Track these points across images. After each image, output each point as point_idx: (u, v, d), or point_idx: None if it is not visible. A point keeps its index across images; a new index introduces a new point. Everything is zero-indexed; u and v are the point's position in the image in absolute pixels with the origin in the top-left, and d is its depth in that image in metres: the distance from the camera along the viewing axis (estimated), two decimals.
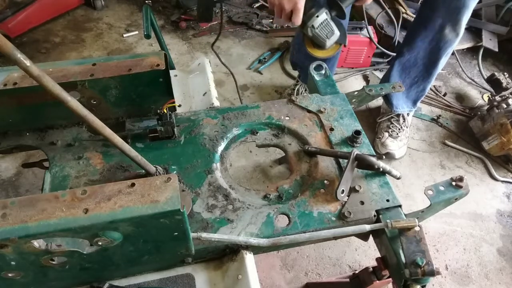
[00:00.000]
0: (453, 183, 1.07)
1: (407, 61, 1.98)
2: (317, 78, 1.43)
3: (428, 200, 1.05)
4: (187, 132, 1.24)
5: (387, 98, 2.13)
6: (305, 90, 2.25)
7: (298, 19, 1.33)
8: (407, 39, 2.01)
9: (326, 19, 1.35)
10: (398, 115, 2.10)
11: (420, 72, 1.94)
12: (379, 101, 2.33)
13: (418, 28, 1.90)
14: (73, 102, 0.76)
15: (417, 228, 0.94)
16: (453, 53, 2.57)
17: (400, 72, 2.01)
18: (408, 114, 2.13)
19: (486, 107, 2.22)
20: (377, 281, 1.13)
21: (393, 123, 2.08)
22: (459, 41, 1.84)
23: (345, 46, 1.43)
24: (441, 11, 1.74)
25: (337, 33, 1.37)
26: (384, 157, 2.00)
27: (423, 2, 1.93)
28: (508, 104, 2.06)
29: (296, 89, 2.27)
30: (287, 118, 1.29)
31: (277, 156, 1.99)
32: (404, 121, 2.09)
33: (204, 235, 0.93)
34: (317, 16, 1.34)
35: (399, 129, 2.07)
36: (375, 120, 2.23)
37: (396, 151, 2.03)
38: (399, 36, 2.49)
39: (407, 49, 1.97)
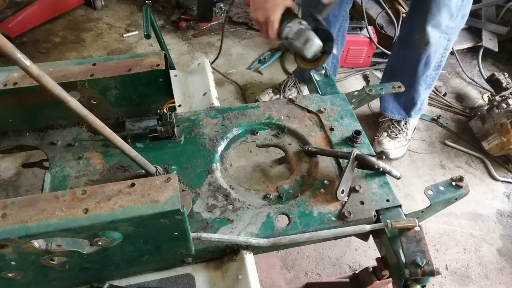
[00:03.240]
0: (453, 183, 1.07)
1: (391, 66, 2.02)
2: (317, 78, 1.44)
3: (428, 200, 1.05)
4: (187, 132, 1.24)
5: (380, 99, 2.15)
6: (294, 84, 2.25)
7: (272, 32, 1.27)
8: (393, 44, 2.05)
9: (301, 28, 1.25)
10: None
11: (404, 81, 1.88)
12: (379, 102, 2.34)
13: (398, 34, 1.95)
14: (73, 102, 0.76)
15: (417, 228, 0.94)
16: (453, 53, 2.57)
17: (388, 76, 2.04)
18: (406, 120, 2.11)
19: (486, 107, 2.22)
20: (377, 281, 1.13)
21: (393, 124, 2.08)
22: (440, 52, 1.80)
23: (330, 53, 1.31)
24: (411, 18, 1.74)
25: (317, 42, 1.27)
26: (384, 157, 2.00)
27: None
28: (508, 104, 2.06)
29: (285, 82, 2.28)
30: (287, 118, 1.29)
31: (277, 156, 1.99)
32: (405, 124, 2.09)
33: (204, 235, 0.93)
34: (289, 26, 1.26)
35: (399, 131, 2.07)
36: (375, 120, 2.23)
37: (391, 151, 2.03)
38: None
39: (391, 53, 2.06)
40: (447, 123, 2.30)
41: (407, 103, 2.02)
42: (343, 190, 1.06)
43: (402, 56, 1.90)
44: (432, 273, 0.88)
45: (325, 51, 1.32)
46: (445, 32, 1.69)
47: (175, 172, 1.12)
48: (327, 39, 1.30)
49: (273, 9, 1.24)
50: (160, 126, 1.17)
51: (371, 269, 1.15)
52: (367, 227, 0.99)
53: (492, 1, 2.58)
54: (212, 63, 2.52)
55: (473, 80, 2.57)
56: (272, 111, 1.31)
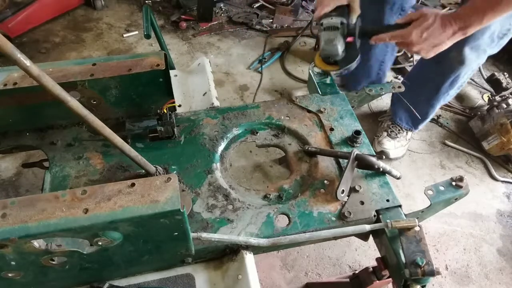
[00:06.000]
0: (453, 183, 1.07)
1: (414, 75, 1.98)
2: (316, 78, 1.44)
3: (428, 200, 1.05)
4: (187, 132, 1.24)
5: (392, 101, 2.14)
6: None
7: (317, 12, 1.28)
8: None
9: (337, 27, 1.24)
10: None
11: (424, 93, 1.89)
12: (380, 102, 2.34)
13: None
14: (73, 102, 0.76)
15: (417, 228, 0.94)
16: None
17: (407, 86, 2.00)
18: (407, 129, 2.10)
19: (486, 107, 2.22)
20: (377, 281, 1.13)
21: (394, 124, 2.08)
22: (468, 74, 1.76)
23: (340, 70, 1.30)
24: None
25: (337, 49, 1.25)
26: (384, 157, 2.00)
27: None
28: (508, 104, 2.06)
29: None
30: (287, 118, 1.29)
31: (277, 156, 1.99)
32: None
33: (204, 235, 0.93)
34: (331, 17, 1.25)
35: (399, 131, 2.06)
36: (375, 120, 2.23)
37: (391, 151, 2.03)
38: None
39: (419, 64, 2.03)
40: (447, 123, 2.30)
41: (420, 115, 1.98)
42: (343, 190, 1.06)
43: (428, 69, 1.85)
44: (432, 273, 0.88)
45: (337, 63, 1.29)
46: (481, 57, 1.65)
47: (175, 172, 1.12)
48: (349, 58, 1.28)
49: None
50: (160, 126, 1.17)
51: (371, 269, 1.15)
52: (367, 227, 0.99)
53: None
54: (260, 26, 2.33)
55: (473, 80, 2.57)
56: (272, 111, 1.31)
